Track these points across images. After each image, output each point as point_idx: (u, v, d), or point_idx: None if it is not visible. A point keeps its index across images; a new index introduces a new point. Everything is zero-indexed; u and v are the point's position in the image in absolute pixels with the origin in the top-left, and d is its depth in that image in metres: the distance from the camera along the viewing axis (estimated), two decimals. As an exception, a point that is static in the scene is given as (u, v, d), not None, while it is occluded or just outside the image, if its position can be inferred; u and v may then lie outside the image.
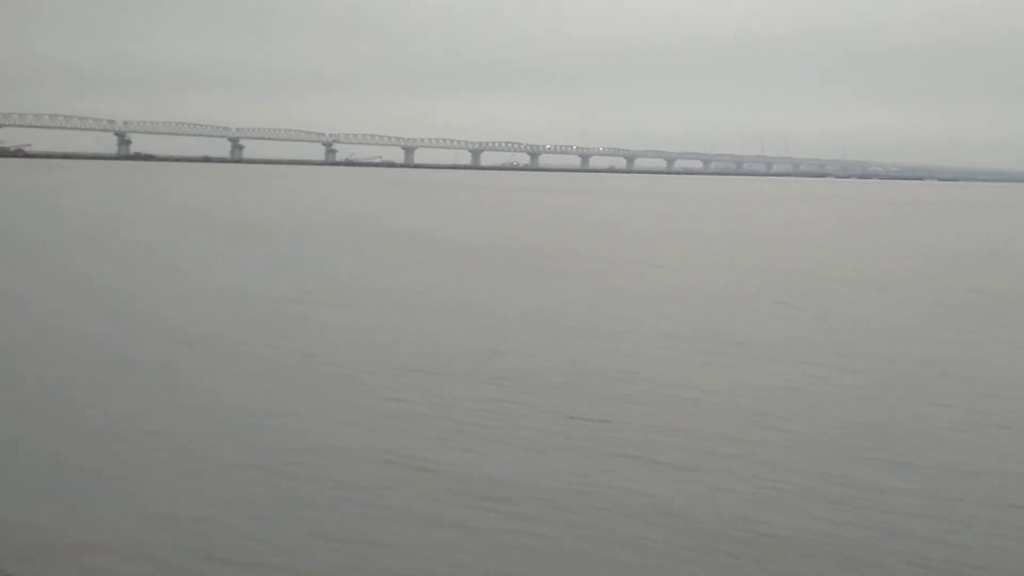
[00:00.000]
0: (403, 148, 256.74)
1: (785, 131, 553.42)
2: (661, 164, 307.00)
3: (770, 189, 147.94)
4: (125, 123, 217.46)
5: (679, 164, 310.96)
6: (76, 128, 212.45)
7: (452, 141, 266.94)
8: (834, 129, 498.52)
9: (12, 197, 59.65)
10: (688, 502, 8.26)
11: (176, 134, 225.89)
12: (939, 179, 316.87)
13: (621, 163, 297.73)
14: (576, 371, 13.16)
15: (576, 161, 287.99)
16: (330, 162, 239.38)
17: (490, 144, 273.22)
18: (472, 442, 9.88)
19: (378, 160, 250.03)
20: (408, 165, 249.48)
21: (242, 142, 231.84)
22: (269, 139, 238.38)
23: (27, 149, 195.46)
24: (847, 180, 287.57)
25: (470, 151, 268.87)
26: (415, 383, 12.31)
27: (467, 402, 11.42)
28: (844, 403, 11.76)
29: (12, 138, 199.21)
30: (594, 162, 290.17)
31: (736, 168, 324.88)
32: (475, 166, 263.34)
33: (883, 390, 12.53)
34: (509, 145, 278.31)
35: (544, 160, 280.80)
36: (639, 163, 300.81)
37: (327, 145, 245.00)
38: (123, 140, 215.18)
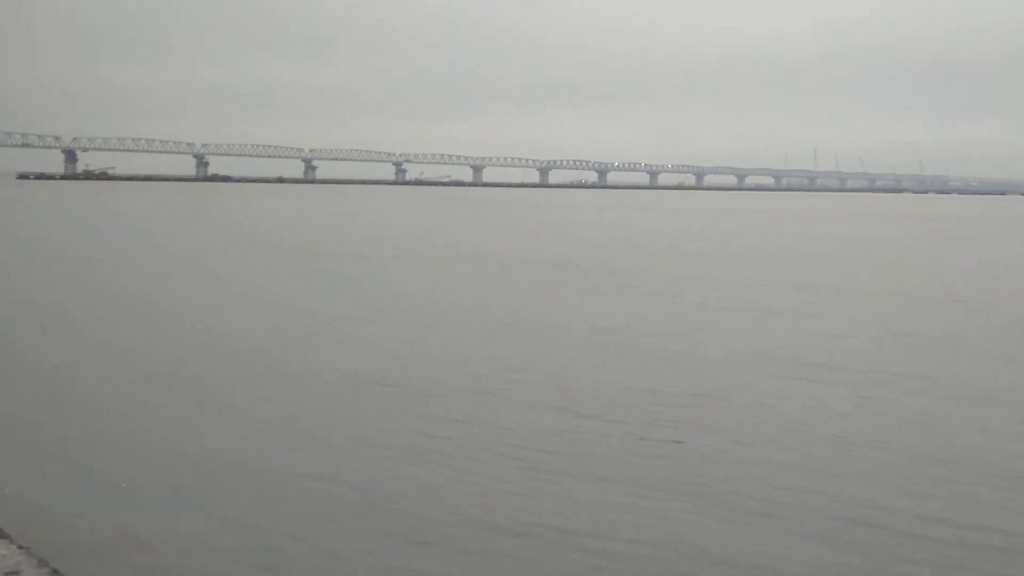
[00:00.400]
0: (471, 167, 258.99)
1: (860, 145, 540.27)
2: (732, 180, 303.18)
3: (844, 205, 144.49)
4: (203, 146, 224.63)
5: (750, 180, 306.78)
6: (157, 151, 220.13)
7: (520, 159, 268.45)
8: (911, 142, 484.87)
9: (101, 217, 61.74)
10: (757, 546, 7.89)
11: (251, 156, 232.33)
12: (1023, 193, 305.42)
13: (690, 180, 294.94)
14: (647, 393, 12.84)
15: (644, 178, 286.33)
16: (400, 181, 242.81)
17: (558, 162, 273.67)
18: (535, 470, 9.66)
19: (447, 179, 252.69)
20: (476, 184, 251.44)
21: (315, 163, 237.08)
22: (341, 159, 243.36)
23: (111, 172, 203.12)
24: (925, 195, 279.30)
25: (538, 169, 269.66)
26: (480, 406, 12.15)
27: (533, 427, 11.21)
28: (927, 433, 11.20)
29: (96, 161, 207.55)
30: (663, 179, 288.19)
31: (809, 184, 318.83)
32: (543, 184, 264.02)
33: (965, 419, 11.91)
34: (577, 163, 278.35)
35: (612, 178, 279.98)
36: (709, 179, 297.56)
37: (397, 165, 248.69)
38: (201, 162, 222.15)
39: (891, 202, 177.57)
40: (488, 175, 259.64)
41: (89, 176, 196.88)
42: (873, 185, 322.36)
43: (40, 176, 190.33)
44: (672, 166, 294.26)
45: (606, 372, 14.30)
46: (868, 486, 9.18)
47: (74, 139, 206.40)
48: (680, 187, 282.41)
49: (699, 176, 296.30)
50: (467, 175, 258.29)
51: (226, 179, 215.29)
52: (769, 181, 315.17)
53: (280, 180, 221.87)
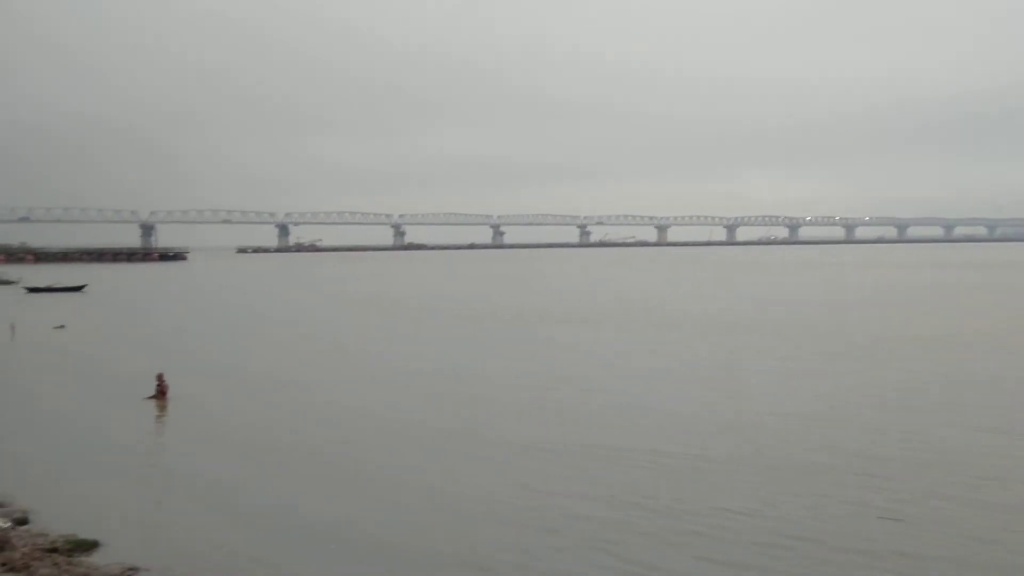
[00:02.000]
0: (656, 227, 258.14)
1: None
2: (938, 232, 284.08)
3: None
4: (400, 216, 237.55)
5: (959, 231, 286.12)
6: (359, 223, 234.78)
7: (706, 218, 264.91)
8: None
9: (330, 288, 66.33)
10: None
11: (444, 224, 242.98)
12: None
13: (891, 232, 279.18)
14: (858, 459, 12.28)
15: (840, 232, 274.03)
16: (584, 243, 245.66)
17: (745, 219, 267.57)
18: (730, 550, 9.47)
19: (631, 240, 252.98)
20: (661, 243, 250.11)
21: (503, 228, 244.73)
22: (528, 224, 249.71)
23: (318, 244, 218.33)
24: None
25: (725, 227, 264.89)
26: (678, 468, 12.07)
27: (731, 496, 11.00)
28: None
29: (306, 235, 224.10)
30: (860, 232, 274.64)
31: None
32: (730, 242, 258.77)
33: None
34: (765, 219, 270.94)
35: (804, 232, 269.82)
36: (912, 231, 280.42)
37: (581, 227, 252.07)
38: (398, 232, 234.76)
39: None
40: (673, 234, 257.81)
41: (300, 248, 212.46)
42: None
43: (257, 249, 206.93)
44: (870, 219, 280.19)
45: (805, 434, 13.77)
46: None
47: (286, 214, 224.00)
48: (880, 240, 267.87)
49: (901, 228, 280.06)
50: (651, 235, 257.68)
51: (420, 247, 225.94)
52: (981, 231, 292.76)
53: (471, 246, 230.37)
